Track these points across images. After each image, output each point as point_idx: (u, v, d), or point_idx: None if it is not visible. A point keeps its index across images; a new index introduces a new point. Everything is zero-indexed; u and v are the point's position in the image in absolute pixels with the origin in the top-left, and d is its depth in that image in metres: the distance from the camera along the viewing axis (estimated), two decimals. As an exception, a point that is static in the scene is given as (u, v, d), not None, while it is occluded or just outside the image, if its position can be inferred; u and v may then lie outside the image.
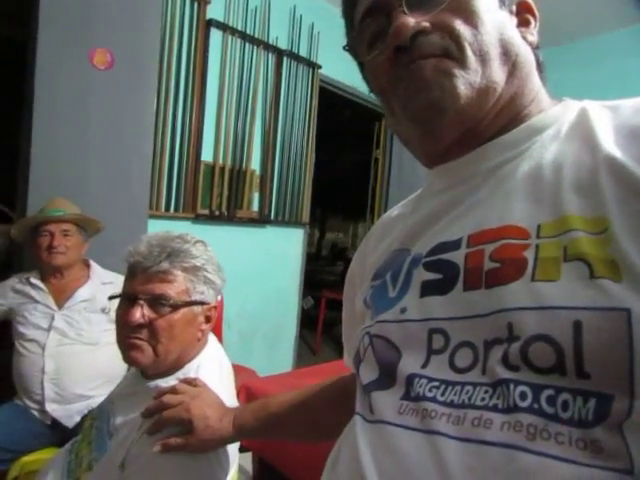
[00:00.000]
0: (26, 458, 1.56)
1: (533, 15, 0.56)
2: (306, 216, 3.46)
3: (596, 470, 0.34)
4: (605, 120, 0.47)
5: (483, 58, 0.48)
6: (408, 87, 0.50)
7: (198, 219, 2.81)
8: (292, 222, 3.35)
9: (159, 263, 0.85)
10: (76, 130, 2.17)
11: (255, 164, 3.11)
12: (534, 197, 0.45)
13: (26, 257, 2.13)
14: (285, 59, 3.20)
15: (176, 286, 0.87)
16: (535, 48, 0.55)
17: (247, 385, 1.52)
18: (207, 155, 2.84)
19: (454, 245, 0.48)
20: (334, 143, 6.33)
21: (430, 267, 0.49)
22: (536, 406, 0.37)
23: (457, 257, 0.46)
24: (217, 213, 2.89)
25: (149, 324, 0.85)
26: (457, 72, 0.48)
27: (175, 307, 0.86)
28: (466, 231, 0.47)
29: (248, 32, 2.98)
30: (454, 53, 0.48)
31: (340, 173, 7.61)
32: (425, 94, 0.48)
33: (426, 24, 0.48)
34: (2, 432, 1.56)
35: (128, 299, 0.86)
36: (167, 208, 2.66)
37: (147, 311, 0.84)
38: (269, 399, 0.82)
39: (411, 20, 0.48)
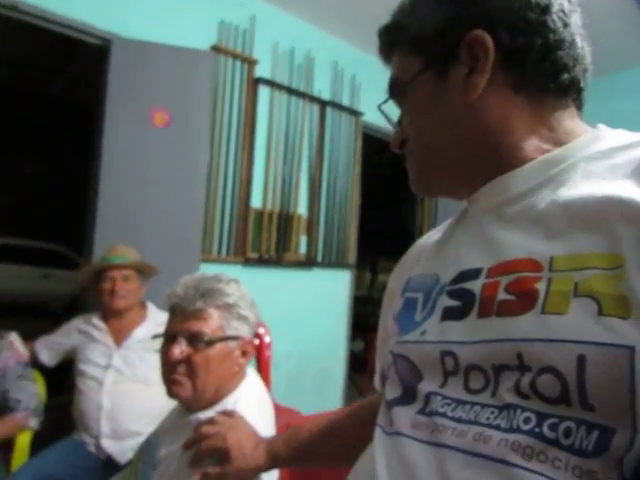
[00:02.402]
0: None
1: (482, 48, 0.51)
2: (352, 258, 3.51)
3: None
4: (624, 156, 0.47)
5: (422, 145, 0.59)
6: None
7: (248, 263, 2.93)
8: (338, 264, 3.42)
9: (194, 303, 0.94)
10: (137, 183, 2.38)
11: (302, 208, 3.23)
12: (548, 232, 0.46)
13: (89, 300, 2.30)
14: (329, 109, 3.37)
15: (211, 323, 0.94)
16: (532, 78, 0.51)
17: (290, 424, 1.54)
18: (256, 201, 2.99)
19: (474, 274, 0.50)
20: (383, 187, 6.41)
21: (452, 294, 0.52)
22: (537, 430, 0.39)
23: (475, 286, 0.49)
24: (266, 257, 3.00)
25: (187, 360, 0.92)
26: (415, 164, 0.61)
27: (210, 343, 0.93)
28: (486, 262, 0.50)
29: (293, 87, 3.17)
30: (410, 150, 0.61)
31: (389, 216, 7.65)
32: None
33: (402, 138, 0.61)
34: (60, 466, 1.66)
35: (168, 338, 0.94)
36: (219, 252, 2.80)
37: (185, 348, 0.92)
38: (301, 427, 0.85)
39: (396, 140, 0.62)
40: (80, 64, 3.45)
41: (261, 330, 2.63)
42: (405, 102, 0.59)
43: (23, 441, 1.72)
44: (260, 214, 2.99)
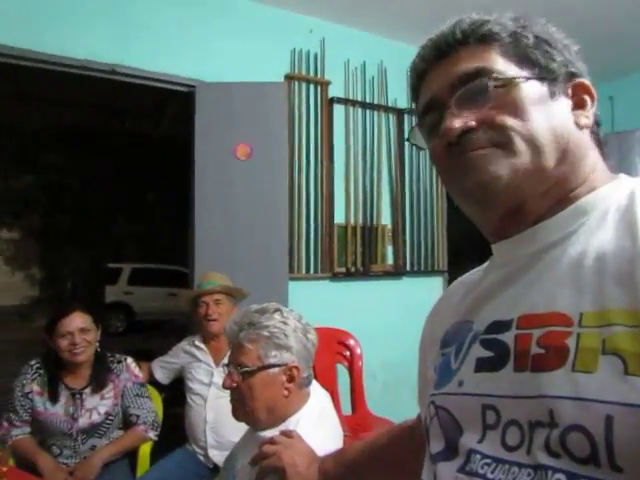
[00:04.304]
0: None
1: (590, 95, 0.57)
2: (443, 264, 3.45)
3: None
4: None
5: (533, 144, 0.52)
6: (460, 172, 0.56)
7: (335, 277, 3.03)
8: (428, 271, 3.38)
9: (237, 337, 1.07)
10: (225, 213, 2.61)
11: (385, 219, 3.26)
12: (578, 285, 0.47)
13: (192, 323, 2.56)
14: (406, 116, 3.36)
15: (249, 355, 1.06)
16: (597, 125, 0.58)
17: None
18: (339, 217, 3.09)
19: (506, 326, 0.51)
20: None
21: (485, 344, 0.53)
22: None
23: (508, 338, 0.50)
24: (353, 270, 3.08)
25: (237, 388, 1.06)
26: (503, 159, 0.53)
27: (251, 372, 1.05)
28: (517, 313, 0.51)
29: (367, 100, 3.23)
30: (501, 142, 0.53)
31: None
32: (473, 177, 0.54)
33: (472, 123, 0.54)
34: (176, 473, 1.88)
35: (226, 366, 1.07)
36: (307, 270, 2.94)
37: (235, 377, 1.04)
38: (349, 447, 0.91)
39: (458, 121, 0.54)
40: (175, 108, 3.88)
41: (351, 342, 2.71)
42: (498, 94, 0.54)
43: (144, 451, 1.97)
44: (344, 229, 3.08)
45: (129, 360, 2.01)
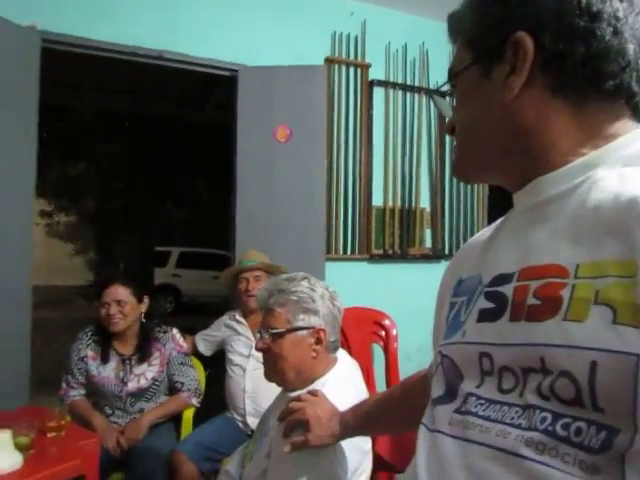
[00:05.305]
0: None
1: (523, 51, 0.51)
2: (484, 248, 3.40)
3: None
4: None
5: (465, 142, 0.61)
6: None
7: (373, 259, 3.07)
8: (468, 255, 3.35)
9: (267, 302, 1.14)
10: (265, 193, 2.69)
11: (424, 202, 3.25)
12: (576, 237, 0.48)
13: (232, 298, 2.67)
14: (448, 99, 3.31)
15: (279, 318, 1.12)
16: (572, 81, 0.51)
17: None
18: (377, 199, 3.11)
19: (508, 278, 0.53)
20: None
21: (488, 296, 0.55)
22: (550, 428, 0.43)
23: (508, 290, 0.52)
24: (390, 252, 3.11)
25: (268, 349, 1.12)
26: (455, 153, 0.64)
27: (280, 334, 1.11)
28: (519, 265, 0.52)
29: (408, 83, 3.22)
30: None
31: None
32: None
33: (452, 124, 0.64)
34: (216, 437, 1.99)
35: (259, 332, 1.15)
36: (344, 251, 2.99)
37: (266, 339, 1.12)
38: (367, 400, 0.98)
39: (449, 122, 0.65)
40: (220, 92, 3.99)
41: (387, 322, 2.75)
42: (455, 91, 0.61)
43: (188, 416, 2.10)
44: (382, 211, 3.10)
45: (174, 331, 2.13)
